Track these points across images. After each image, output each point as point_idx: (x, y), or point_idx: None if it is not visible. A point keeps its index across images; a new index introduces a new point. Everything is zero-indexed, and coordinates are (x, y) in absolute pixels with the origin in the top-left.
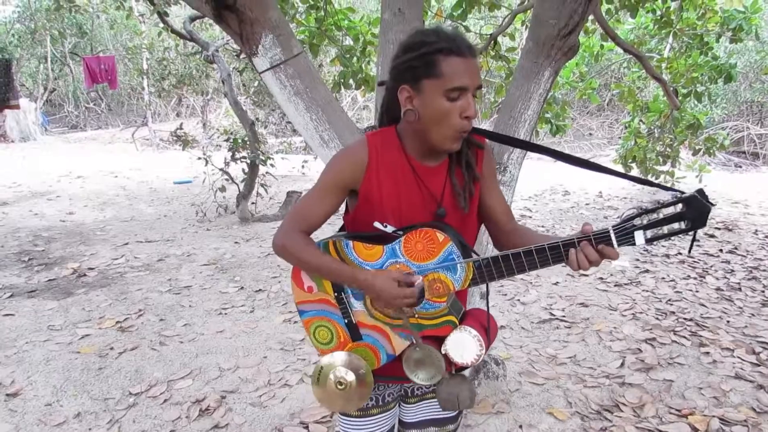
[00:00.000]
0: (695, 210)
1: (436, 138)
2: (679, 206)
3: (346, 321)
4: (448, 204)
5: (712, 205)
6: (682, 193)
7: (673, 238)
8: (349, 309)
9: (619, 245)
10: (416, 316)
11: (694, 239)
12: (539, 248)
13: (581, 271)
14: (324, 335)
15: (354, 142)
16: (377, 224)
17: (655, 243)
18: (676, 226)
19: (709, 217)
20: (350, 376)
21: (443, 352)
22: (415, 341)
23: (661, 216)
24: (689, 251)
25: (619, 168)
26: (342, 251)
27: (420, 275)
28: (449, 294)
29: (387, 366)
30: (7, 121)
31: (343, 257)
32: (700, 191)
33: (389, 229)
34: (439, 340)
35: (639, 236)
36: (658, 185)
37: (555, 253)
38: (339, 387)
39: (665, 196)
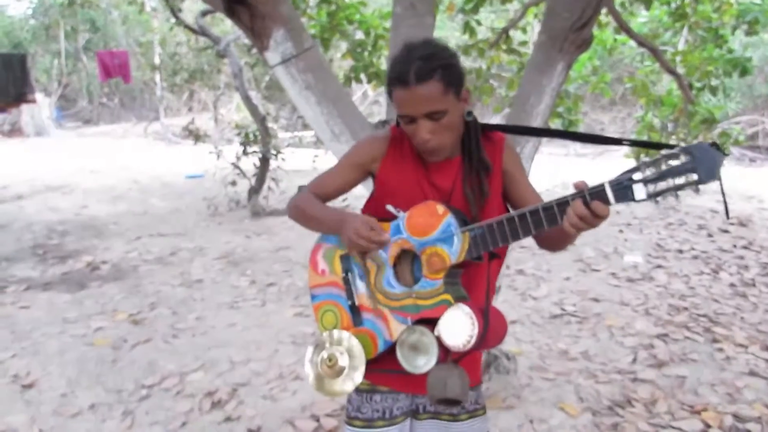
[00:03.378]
0: (703, 160)
1: (415, 145)
2: (685, 156)
3: (349, 303)
4: (459, 204)
5: (726, 154)
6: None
7: (681, 192)
8: (353, 290)
9: (616, 201)
10: (413, 296)
11: (725, 199)
12: (533, 210)
13: (580, 232)
14: (330, 320)
15: (380, 131)
16: (389, 207)
17: (658, 199)
18: (682, 179)
19: (721, 168)
20: (340, 354)
21: (436, 334)
22: (408, 326)
23: (664, 168)
24: (726, 215)
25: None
26: None
27: (419, 249)
28: (446, 270)
29: (386, 357)
30: (23, 116)
31: None
32: (713, 142)
33: (401, 215)
34: (435, 324)
35: (639, 190)
36: (664, 144)
37: (548, 213)
38: (328, 364)
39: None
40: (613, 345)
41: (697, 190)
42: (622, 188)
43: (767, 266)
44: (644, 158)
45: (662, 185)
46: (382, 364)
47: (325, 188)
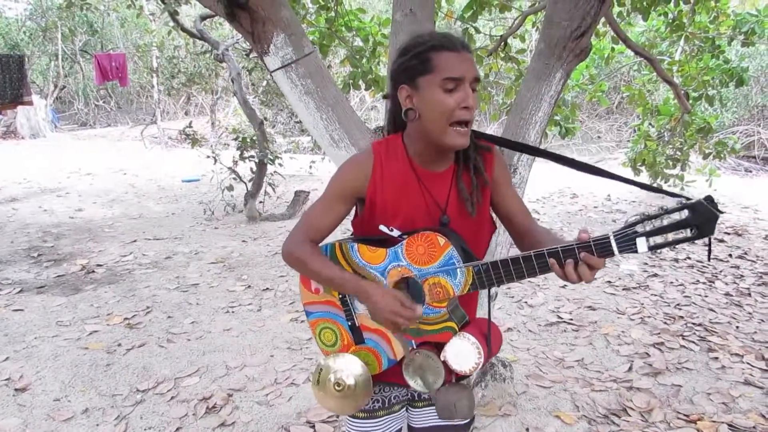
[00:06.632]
0: (701, 217)
1: (438, 134)
2: (685, 213)
3: (349, 323)
4: (454, 211)
5: (721, 212)
6: (688, 199)
7: (678, 245)
8: (352, 311)
9: (620, 252)
10: (417, 321)
11: (710, 247)
12: (538, 254)
13: (573, 282)
14: (329, 337)
15: (360, 152)
16: (383, 227)
17: (658, 251)
18: (681, 233)
19: (717, 225)
20: (349, 380)
21: (442, 359)
22: (412, 348)
23: (665, 222)
24: (708, 258)
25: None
26: (347, 254)
27: (420, 279)
28: (449, 299)
29: (389, 372)
30: (18, 118)
31: (348, 259)
32: (708, 198)
33: (395, 233)
34: (439, 347)
35: (641, 243)
36: (666, 192)
37: (555, 260)
38: (337, 388)
39: (672, 202)
40: (609, 353)
41: (693, 243)
42: (626, 241)
43: (762, 276)
44: (644, 212)
45: (661, 239)
46: (386, 378)
47: (319, 229)
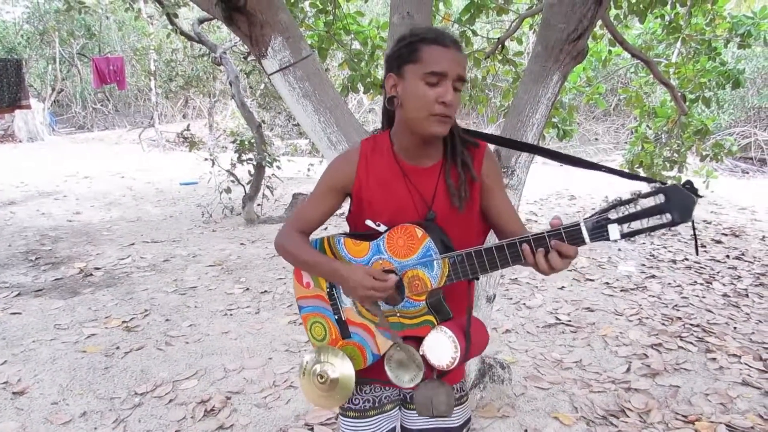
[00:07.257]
0: (677, 201)
1: (416, 123)
2: (660, 197)
3: (336, 317)
4: (442, 206)
5: (699, 196)
6: (664, 184)
7: (658, 233)
8: (339, 305)
9: (591, 240)
10: (398, 315)
11: (696, 239)
12: (510, 243)
13: (546, 273)
14: (318, 331)
15: (348, 148)
16: (369, 222)
17: (633, 238)
18: (656, 219)
19: (694, 209)
20: (333, 373)
21: (421, 353)
22: (392, 339)
23: (639, 208)
24: (696, 252)
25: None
26: (334, 247)
27: (400, 271)
28: (428, 292)
29: (375, 368)
30: (16, 121)
31: (335, 252)
32: (687, 182)
33: (382, 228)
34: (420, 341)
35: (614, 230)
36: (643, 178)
37: (526, 248)
38: (320, 380)
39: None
40: (607, 354)
41: (669, 230)
42: (597, 228)
43: (760, 277)
44: (617, 197)
45: (636, 225)
46: (371, 374)
47: (308, 221)
